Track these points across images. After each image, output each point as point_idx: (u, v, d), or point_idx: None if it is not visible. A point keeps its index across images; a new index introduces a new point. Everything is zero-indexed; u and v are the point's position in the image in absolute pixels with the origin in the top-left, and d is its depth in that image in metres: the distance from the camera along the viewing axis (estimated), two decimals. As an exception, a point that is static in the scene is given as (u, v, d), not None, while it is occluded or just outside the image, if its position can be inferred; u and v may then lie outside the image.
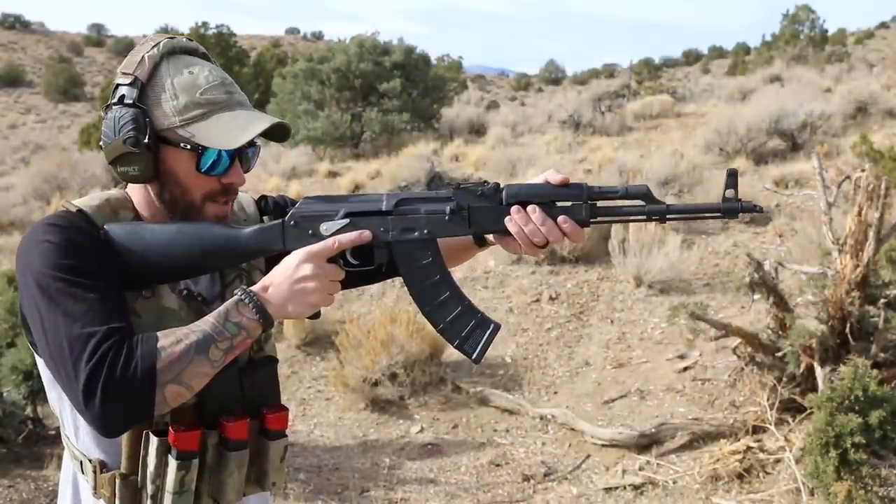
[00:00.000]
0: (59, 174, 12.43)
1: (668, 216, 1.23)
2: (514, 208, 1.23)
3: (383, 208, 1.25)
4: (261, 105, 20.85)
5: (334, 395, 5.08)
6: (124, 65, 1.24)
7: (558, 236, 1.22)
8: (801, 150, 9.59)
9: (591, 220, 1.24)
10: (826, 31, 33.35)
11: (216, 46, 25.80)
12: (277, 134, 1.27)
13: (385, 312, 5.29)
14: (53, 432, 4.05)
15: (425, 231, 1.25)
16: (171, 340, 1.13)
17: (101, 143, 1.24)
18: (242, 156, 1.28)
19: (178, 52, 1.26)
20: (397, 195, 1.27)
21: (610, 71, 49.00)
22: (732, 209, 1.21)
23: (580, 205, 1.22)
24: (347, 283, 1.33)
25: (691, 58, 53.98)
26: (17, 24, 56.71)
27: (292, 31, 73.57)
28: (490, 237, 1.33)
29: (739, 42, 45.58)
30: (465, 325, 1.26)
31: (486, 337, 1.26)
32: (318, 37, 69.59)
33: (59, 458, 3.82)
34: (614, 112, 13.96)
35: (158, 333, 1.14)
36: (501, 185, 1.25)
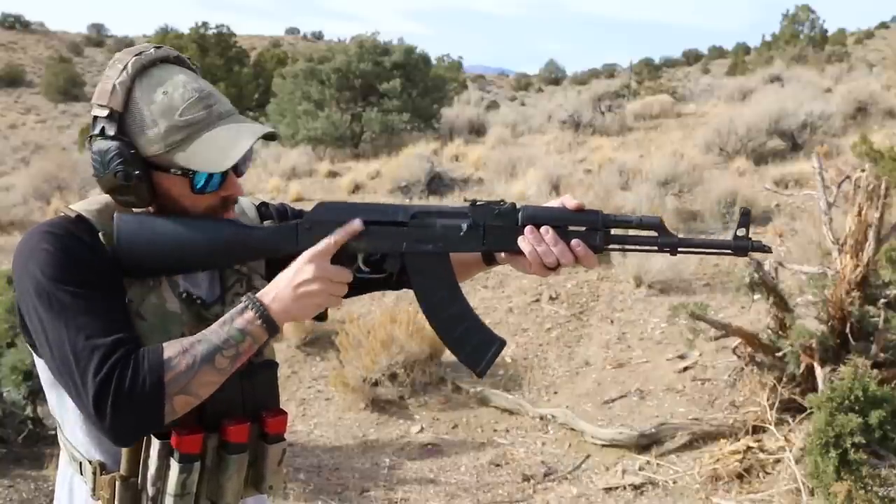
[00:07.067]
0: (59, 174, 12.43)
1: (679, 249, 1.26)
2: (528, 228, 1.24)
3: (399, 219, 1.27)
4: (261, 106, 20.84)
5: (334, 395, 5.08)
6: (97, 94, 1.20)
7: (570, 259, 1.24)
8: (801, 150, 9.59)
9: (604, 248, 1.27)
10: (826, 31, 33.40)
11: (216, 46, 25.75)
12: (265, 136, 1.25)
13: (385, 312, 5.29)
14: (53, 432, 4.05)
15: (440, 245, 1.27)
16: (177, 351, 1.13)
17: (94, 174, 1.22)
18: (235, 165, 1.25)
19: (149, 66, 1.21)
20: (413, 207, 1.29)
21: (610, 71, 48.95)
22: (742, 247, 1.25)
23: (595, 231, 1.25)
24: (359, 289, 1.35)
25: (691, 58, 53.96)
26: (17, 24, 56.64)
27: (292, 31, 73.56)
28: (500, 256, 1.34)
29: (739, 42, 45.63)
30: (471, 339, 1.30)
31: (491, 352, 1.29)
32: (318, 37, 69.57)
33: (59, 458, 3.82)
34: (614, 112, 13.95)
35: (164, 345, 1.14)
36: (518, 206, 1.27)
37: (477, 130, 15.02)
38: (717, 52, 51.53)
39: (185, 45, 23.63)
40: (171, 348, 1.13)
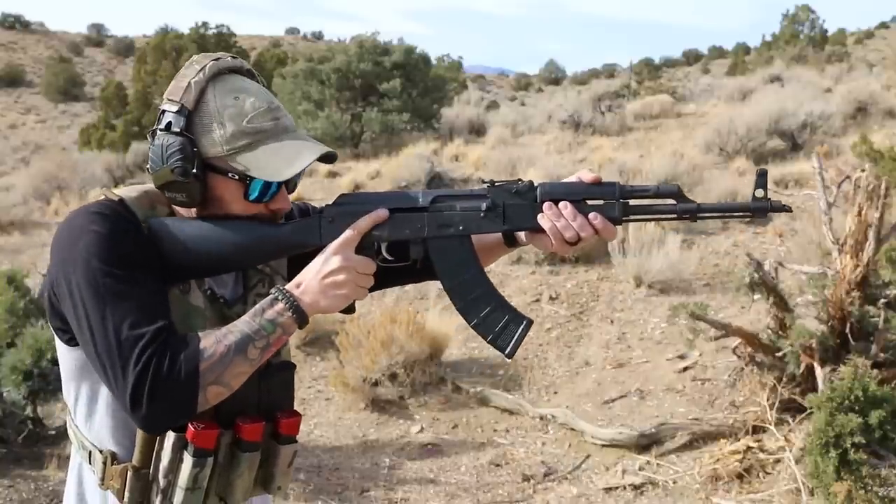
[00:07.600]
0: (59, 174, 12.45)
1: (698, 215, 1.25)
2: (546, 204, 1.25)
3: (419, 205, 1.28)
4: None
5: (334, 395, 5.08)
6: (170, 90, 1.23)
7: (590, 232, 1.24)
8: (801, 150, 9.60)
9: (624, 218, 1.26)
10: (826, 31, 33.43)
11: (216, 46, 25.70)
12: (324, 157, 1.27)
13: (385, 312, 5.28)
14: (53, 432, 4.05)
15: (460, 227, 1.28)
16: (212, 341, 1.14)
17: (148, 168, 1.25)
18: (288, 180, 1.28)
19: (224, 73, 1.25)
20: (433, 192, 1.30)
21: (610, 71, 48.94)
22: (762, 208, 1.22)
23: (613, 203, 1.25)
24: (386, 281, 1.36)
25: (691, 58, 53.94)
26: (17, 24, 56.62)
27: (292, 31, 73.54)
28: (521, 237, 1.35)
29: (739, 42, 45.63)
30: (498, 320, 1.29)
31: (518, 332, 1.28)
32: (318, 37, 69.56)
33: (59, 458, 3.82)
34: (614, 112, 13.96)
35: (200, 334, 1.15)
36: (535, 183, 1.27)
37: (477, 130, 15.02)
38: (717, 52, 51.53)
39: (185, 45, 23.61)
40: (206, 338, 1.15)
